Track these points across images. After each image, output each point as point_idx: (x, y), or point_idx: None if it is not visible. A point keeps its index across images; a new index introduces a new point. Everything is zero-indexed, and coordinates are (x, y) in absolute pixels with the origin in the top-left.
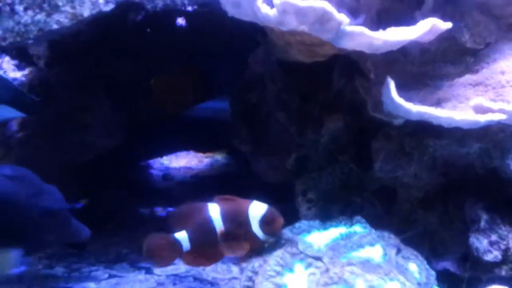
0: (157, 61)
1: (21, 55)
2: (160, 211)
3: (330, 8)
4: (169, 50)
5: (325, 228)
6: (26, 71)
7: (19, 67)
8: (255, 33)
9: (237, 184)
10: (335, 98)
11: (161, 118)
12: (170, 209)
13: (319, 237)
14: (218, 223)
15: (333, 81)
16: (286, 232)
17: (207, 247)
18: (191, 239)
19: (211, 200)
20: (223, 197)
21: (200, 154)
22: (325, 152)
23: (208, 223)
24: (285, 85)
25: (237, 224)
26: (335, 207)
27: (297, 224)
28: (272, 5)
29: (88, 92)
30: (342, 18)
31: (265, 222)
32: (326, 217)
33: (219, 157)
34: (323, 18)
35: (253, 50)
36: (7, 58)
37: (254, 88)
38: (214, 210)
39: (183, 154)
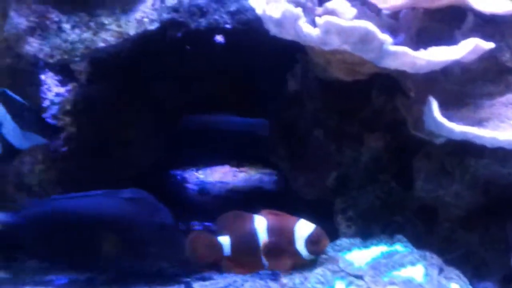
0: (196, 77)
1: (63, 71)
2: (197, 225)
3: (373, 28)
4: (208, 66)
5: (366, 246)
6: (69, 87)
7: (62, 83)
8: (293, 51)
9: (272, 199)
10: (375, 116)
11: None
12: (207, 223)
13: (360, 255)
14: (263, 236)
15: (372, 99)
16: (327, 249)
17: (247, 257)
18: (232, 245)
19: (257, 212)
20: (270, 211)
21: (235, 169)
22: (365, 170)
23: (251, 234)
24: (324, 103)
25: (281, 239)
26: (375, 226)
27: (338, 242)
28: (314, 25)
29: (129, 108)
30: (385, 38)
31: (311, 241)
32: (366, 235)
33: (253, 171)
34: (366, 37)
35: (291, 67)
36: (50, 74)
37: (292, 105)
38: (260, 222)
39: (218, 168)
